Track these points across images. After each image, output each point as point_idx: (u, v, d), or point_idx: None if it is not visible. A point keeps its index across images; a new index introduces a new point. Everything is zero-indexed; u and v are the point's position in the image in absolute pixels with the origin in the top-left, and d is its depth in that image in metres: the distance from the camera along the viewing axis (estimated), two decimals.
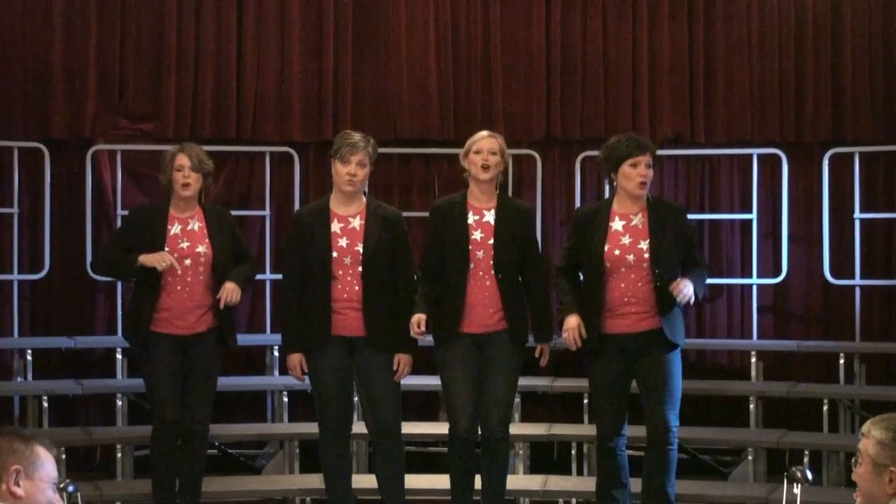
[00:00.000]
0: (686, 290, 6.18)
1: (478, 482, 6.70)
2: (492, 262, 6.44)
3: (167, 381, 6.61)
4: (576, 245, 6.50)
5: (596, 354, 6.41)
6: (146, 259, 6.50)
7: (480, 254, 6.45)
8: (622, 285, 6.33)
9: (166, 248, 6.57)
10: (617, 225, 6.38)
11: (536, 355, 6.61)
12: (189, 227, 6.65)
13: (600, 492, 6.56)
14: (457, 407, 6.49)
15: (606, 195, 8.70)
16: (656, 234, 6.34)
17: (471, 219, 6.48)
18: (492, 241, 6.45)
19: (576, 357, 6.91)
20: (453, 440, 6.55)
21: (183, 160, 6.61)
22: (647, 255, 6.32)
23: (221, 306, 6.56)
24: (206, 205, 6.77)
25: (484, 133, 6.61)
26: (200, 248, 6.61)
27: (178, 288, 6.59)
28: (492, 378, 6.48)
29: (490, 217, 6.49)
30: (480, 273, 6.46)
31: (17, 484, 3.00)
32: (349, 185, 6.43)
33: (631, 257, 6.32)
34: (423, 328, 6.39)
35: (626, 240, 6.35)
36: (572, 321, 6.36)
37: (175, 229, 6.63)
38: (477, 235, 6.47)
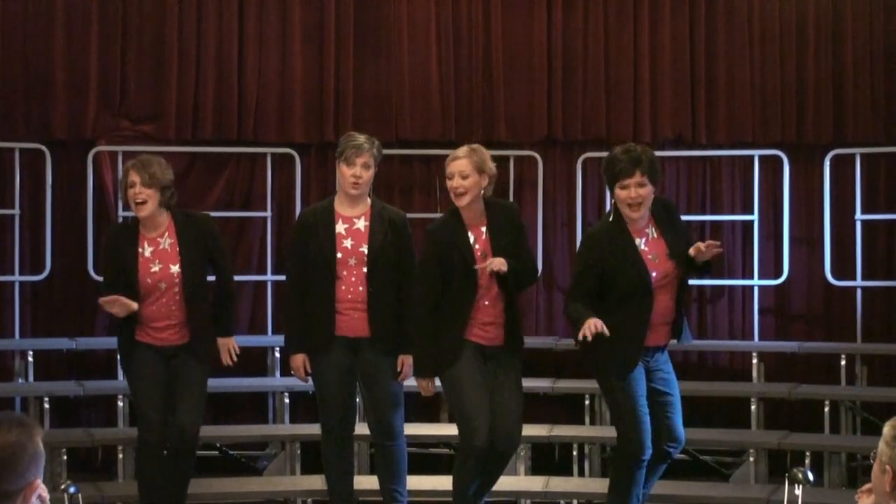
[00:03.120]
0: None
1: None
2: (497, 285, 6.26)
3: (148, 388, 6.48)
4: (590, 271, 6.09)
5: (627, 374, 6.13)
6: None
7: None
8: (657, 304, 6.09)
9: (138, 273, 6.35)
10: (640, 244, 6.09)
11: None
12: (161, 247, 6.42)
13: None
14: (477, 416, 6.21)
15: (608, 195, 8.77)
16: (672, 245, 6.11)
17: (471, 237, 6.27)
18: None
19: (578, 358, 6.90)
20: (471, 451, 6.25)
21: (133, 177, 6.28)
22: (672, 269, 6.11)
23: (227, 362, 6.54)
24: (179, 215, 6.46)
25: (458, 152, 6.28)
26: (174, 269, 6.40)
27: (154, 308, 6.43)
28: (509, 393, 6.32)
29: (486, 231, 6.29)
30: (493, 295, 6.28)
31: (38, 498, 2.95)
32: (354, 188, 6.43)
33: (665, 277, 6.10)
34: (432, 390, 6.38)
35: (653, 258, 6.08)
36: (592, 319, 5.85)
37: (146, 251, 6.40)
38: (481, 254, 6.25)
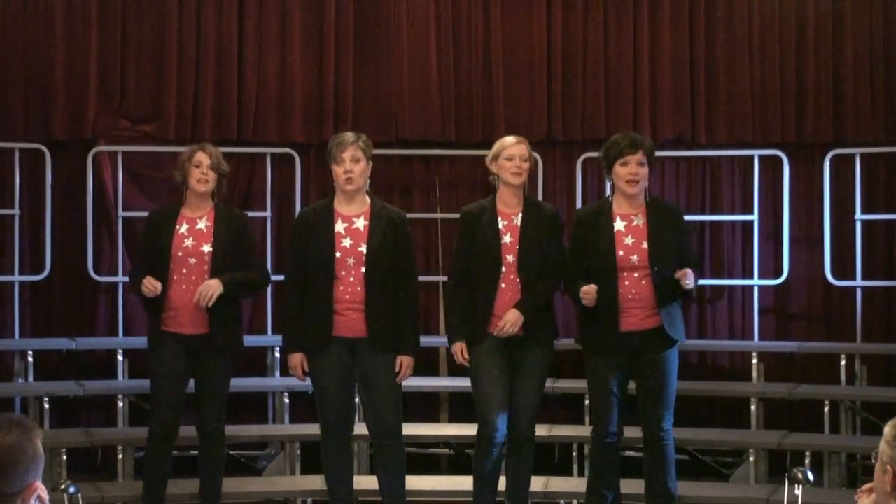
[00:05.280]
0: (690, 278, 6.33)
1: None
2: (518, 265, 6.48)
3: (169, 382, 6.65)
4: (578, 247, 6.53)
5: (600, 352, 6.45)
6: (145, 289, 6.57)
7: (511, 258, 6.50)
8: (626, 284, 6.40)
9: (172, 246, 6.61)
10: (619, 225, 6.45)
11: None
12: (197, 227, 6.67)
13: (591, 489, 6.63)
14: (491, 407, 6.48)
15: (607, 195, 8.79)
16: (655, 235, 6.42)
17: (500, 223, 6.54)
18: (519, 245, 6.49)
19: (578, 358, 6.92)
20: (485, 441, 6.54)
21: (202, 158, 6.69)
22: (648, 256, 6.38)
23: (196, 300, 6.51)
24: (220, 206, 6.80)
25: (512, 139, 6.63)
26: (205, 247, 6.63)
27: (184, 287, 6.61)
28: (522, 382, 6.52)
29: (518, 221, 6.54)
30: (511, 276, 6.50)
31: (38, 500, 2.95)
32: (349, 184, 6.44)
33: (635, 258, 6.40)
34: (466, 356, 6.48)
35: (629, 240, 6.43)
36: (588, 286, 6.34)
37: (182, 228, 6.67)
38: (507, 239, 6.51)
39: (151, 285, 6.52)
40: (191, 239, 6.64)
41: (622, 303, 6.38)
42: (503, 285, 6.50)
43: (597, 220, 6.50)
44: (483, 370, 6.50)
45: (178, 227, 6.67)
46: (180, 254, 6.61)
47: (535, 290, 6.51)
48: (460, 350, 6.51)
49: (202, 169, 6.67)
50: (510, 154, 6.55)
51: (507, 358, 6.51)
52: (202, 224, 6.68)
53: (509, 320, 6.42)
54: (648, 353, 6.42)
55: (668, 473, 6.53)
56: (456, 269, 6.65)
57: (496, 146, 6.61)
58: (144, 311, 6.97)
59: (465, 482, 6.94)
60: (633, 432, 7.21)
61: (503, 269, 6.50)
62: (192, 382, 6.76)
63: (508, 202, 6.57)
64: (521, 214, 6.55)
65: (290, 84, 8.95)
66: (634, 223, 6.45)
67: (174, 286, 6.61)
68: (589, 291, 6.29)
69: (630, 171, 6.40)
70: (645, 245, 6.40)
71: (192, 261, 6.62)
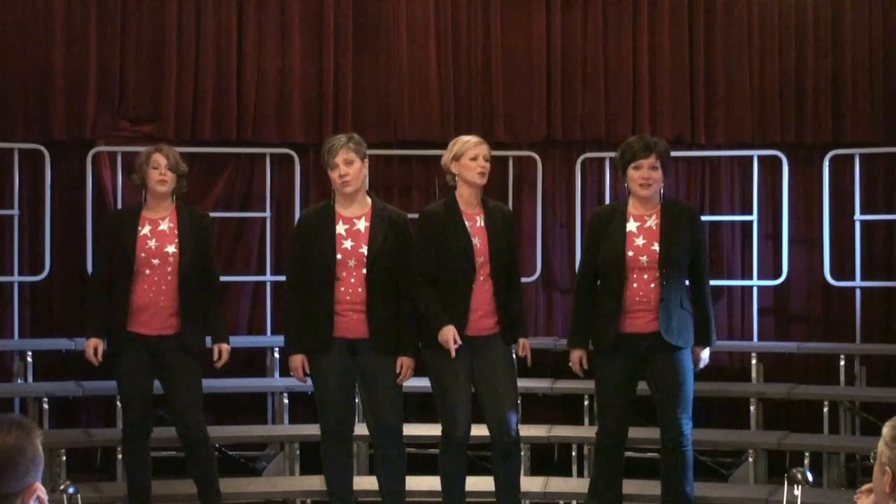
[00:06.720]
0: (705, 361, 6.57)
1: (479, 484, 6.71)
2: (489, 267, 6.46)
3: (135, 381, 6.64)
4: (592, 248, 6.52)
5: (607, 352, 6.44)
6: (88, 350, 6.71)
7: (481, 259, 6.46)
8: (635, 286, 6.39)
9: (135, 248, 6.59)
10: (632, 226, 6.43)
11: (521, 353, 6.61)
12: (160, 228, 6.66)
13: (593, 490, 6.65)
14: (457, 408, 6.46)
15: (607, 196, 8.81)
16: (667, 236, 6.39)
17: (467, 224, 6.48)
18: (488, 247, 6.46)
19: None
20: (450, 442, 6.53)
21: (160, 158, 6.68)
22: (658, 258, 6.37)
23: (218, 366, 6.73)
24: (182, 206, 6.77)
25: (474, 139, 6.55)
26: (169, 248, 6.62)
27: (146, 287, 6.59)
28: (498, 382, 6.48)
29: (481, 222, 6.51)
30: (481, 278, 6.46)
31: (37, 500, 2.95)
32: (346, 187, 6.43)
33: (644, 259, 6.38)
34: (458, 340, 6.35)
35: (639, 241, 6.41)
36: (575, 356, 6.56)
37: (145, 230, 6.65)
38: (476, 241, 6.47)
39: (92, 356, 6.68)
40: (154, 240, 6.63)
41: (629, 304, 6.37)
42: (475, 286, 6.45)
43: (610, 220, 6.48)
44: (448, 370, 6.44)
45: (140, 228, 6.65)
46: (143, 255, 6.60)
47: (517, 297, 6.61)
48: (453, 335, 6.31)
49: (160, 170, 6.66)
50: (474, 154, 6.47)
51: (470, 358, 6.47)
52: (164, 225, 6.66)
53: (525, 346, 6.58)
54: (659, 357, 6.41)
55: (685, 477, 6.54)
56: (422, 270, 6.43)
57: (457, 146, 6.51)
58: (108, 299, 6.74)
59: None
60: (637, 433, 7.23)
61: (476, 270, 6.44)
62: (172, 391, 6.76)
63: (469, 202, 6.50)
64: (483, 215, 6.51)
65: (290, 84, 8.95)
66: (647, 224, 6.43)
67: (137, 287, 6.59)
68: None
69: (642, 175, 6.38)
70: (655, 247, 6.37)
71: (156, 262, 6.61)
